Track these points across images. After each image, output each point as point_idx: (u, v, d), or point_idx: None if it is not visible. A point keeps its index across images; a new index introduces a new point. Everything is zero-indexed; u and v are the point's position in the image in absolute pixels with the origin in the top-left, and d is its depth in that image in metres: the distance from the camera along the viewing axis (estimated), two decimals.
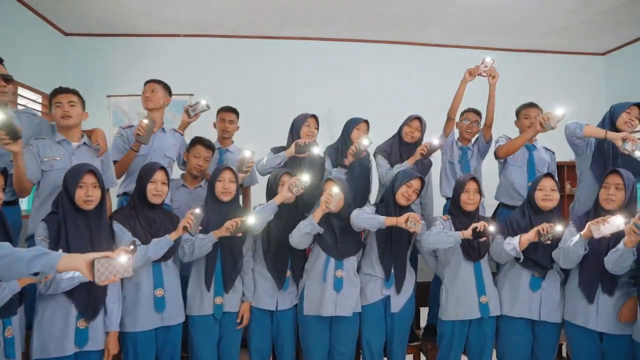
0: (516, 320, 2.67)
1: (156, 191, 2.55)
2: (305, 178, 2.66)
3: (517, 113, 3.45)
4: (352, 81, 5.81)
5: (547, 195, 2.64)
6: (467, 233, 2.56)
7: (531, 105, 3.36)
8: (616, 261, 2.31)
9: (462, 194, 2.73)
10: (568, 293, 2.62)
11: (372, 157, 3.42)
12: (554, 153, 3.46)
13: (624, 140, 2.69)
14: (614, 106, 2.98)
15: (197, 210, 2.48)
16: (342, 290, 2.68)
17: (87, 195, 2.28)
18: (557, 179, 2.88)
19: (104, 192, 2.42)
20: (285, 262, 2.79)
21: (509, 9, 4.95)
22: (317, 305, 2.69)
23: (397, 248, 2.76)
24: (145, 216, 2.55)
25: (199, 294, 2.67)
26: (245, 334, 2.83)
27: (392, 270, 2.76)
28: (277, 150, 3.21)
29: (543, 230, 2.48)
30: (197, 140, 3.16)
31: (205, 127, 3.67)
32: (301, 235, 2.65)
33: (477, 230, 2.52)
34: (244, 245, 2.78)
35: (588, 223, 2.36)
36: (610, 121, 2.96)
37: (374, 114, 3.63)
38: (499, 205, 3.43)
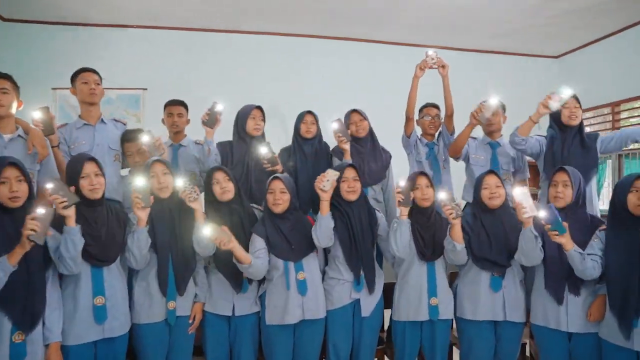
0: (479, 323, 2.61)
1: (91, 185, 2.29)
2: (179, 183, 2.48)
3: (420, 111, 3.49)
4: (310, 77, 5.70)
5: (493, 192, 2.60)
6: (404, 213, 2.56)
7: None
8: (576, 265, 2.34)
9: (415, 191, 2.67)
10: (535, 296, 2.58)
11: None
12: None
13: (545, 106, 2.78)
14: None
15: (41, 211, 1.99)
16: (307, 292, 2.56)
17: (10, 191, 2.03)
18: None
19: (32, 188, 2.17)
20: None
21: (466, 9, 4.96)
22: (281, 313, 2.54)
23: (363, 248, 2.67)
24: (84, 217, 2.27)
25: (148, 300, 2.46)
26: (197, 340, 2.65)
27: (362, 272, 2.66)
28: (222, 145, 3.04)
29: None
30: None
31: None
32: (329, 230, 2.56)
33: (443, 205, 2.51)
34: None
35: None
36: (553, 117, 2.99)
37: (333, 110, 3.51)
38: (466, 205, 3.40)
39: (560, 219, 2.29)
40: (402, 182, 2.58)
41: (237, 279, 2.59)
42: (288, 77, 5.63)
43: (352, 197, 2.67)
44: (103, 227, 2.33)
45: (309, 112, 3.20)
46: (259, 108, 3.07)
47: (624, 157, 5.40)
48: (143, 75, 5.25)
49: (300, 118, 3.18)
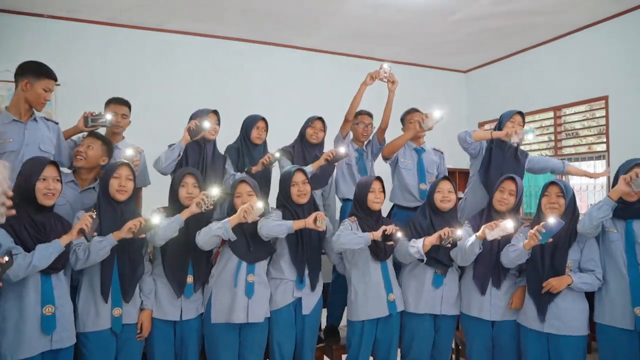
0: (420, 316, 2.82)
1: (47, 190, 2.20)
2: (214, 192, 2.53)
3: (402, 119, 3.67)
4: (238, 80, 5.69)
5: (445, 196, 2.84)
6: (377, 235, 2.64)
7: (413, 110, 3.59)
8: (513, 259, 2.59)
9: (369, 194, 2.82)
10: (463, 287, 2.85)
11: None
12: (442, 153, 3.71)
13: (508, 135, 3.02)
14: (501, 115, 3.32)
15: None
16: (253, 295, 2.60)
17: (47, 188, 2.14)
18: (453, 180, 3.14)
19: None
20: (185, 267, 2.60)
21: (391, 23, 5.25)
22: (227, 311, 2.57)
23: (310, 249, 2.76)
24: (32, 220, 2.18)
25: (93, 307, 2.37)
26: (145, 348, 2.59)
27: (306, 272, 2.75)
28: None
29: (444, 234, 2.65)
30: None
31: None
32: (211, 236, 2.51)
33: (386, 233, 2.62)
34: (143, 249, 2.56)
35: (483, 226, 2.59)
36: (498, 129, 3.29)
37: (262, 114, 3.56)
38: (393, 206, 3.61)
39: (551, 236, 2.45)
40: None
41: (181, 283, 2.58)
42: (214, 79, 5.57)
43: (303, 200, 2.76)
44: (52, 233, 2.23)
45: (263, 118, 3.26)
46: (215, 112, 3.08)
47: None
48: (57, 69, 4.88)
49: (254, 123, 3.21)
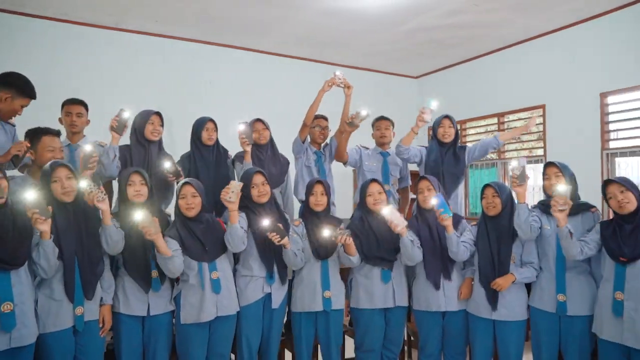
0: (373, 311, 2.98)
1: None
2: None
3: (373, 125, 3.88)
4: (194, 81, 5.72)
5: (376, 199, 3.01)
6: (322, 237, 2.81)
7: (382, 118, 3.79)
8: (454, 250, 2.85)
9: (311, 197, 2.98)
10: (416, 287, 3.04)
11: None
12: (390, 154, 3.87)
13: (422, 120, 3.33)
14: (434, 121, 3.56)
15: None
16: (221, 290, 2.69)
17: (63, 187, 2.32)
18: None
19: None
20: (147, 262, 2.65)
21: (344, 30, 5.43)
22: (197, 311, 2.65)
23: (277, 246, 2.86)
24: None
25: (54, 306, 2.38)
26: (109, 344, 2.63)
27: (275, 267, 2.87)
28: (120, 150, 3.01)
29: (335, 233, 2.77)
30: (41, 132, 2.78)
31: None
32: (239, 237, 2.67)
33: (333, 238, 2.77)
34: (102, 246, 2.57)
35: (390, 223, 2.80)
36: (434, 134, 3.53)
37: (217, 116, 3.57)
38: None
39: (446, 204, 2.78)
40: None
41: (146, 278, 2.63)
42: (168, 79, 5.55)
43: (263, 199, 2.88)
44: (10, 229, 2.22)
45: (211, 119, 3.31)
46: (158, 114, 3.09)
47: (478, 167, 6.36)
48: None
49: (202, 125, 3.26)
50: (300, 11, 4.90)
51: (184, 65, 5.70)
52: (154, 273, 2.65)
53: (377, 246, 2.95)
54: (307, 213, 3.01)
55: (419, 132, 3.48)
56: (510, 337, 2.77)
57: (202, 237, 2.71)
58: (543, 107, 5.55)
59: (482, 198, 2.91)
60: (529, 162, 5.82)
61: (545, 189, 2.84)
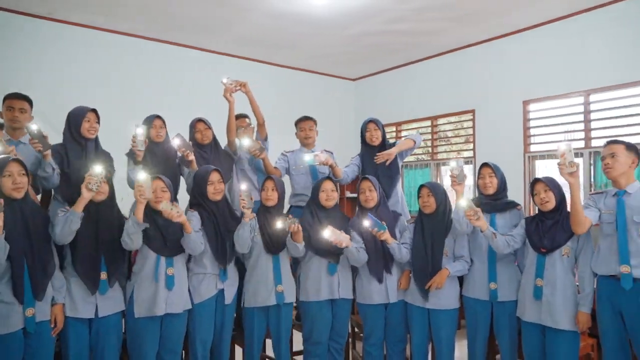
0: (320, 303, 3.12)
1: None
2: (97, 170, 2.50)
3: (296, 124, 3.95)
4: (141, 79, 5.62)
5: (329, 195, 3.17)
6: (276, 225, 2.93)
7: (305, 118, 3.89)
8: (397, 255, 3.05)
9: (262, 192, 3.11)
10: (360, 282, 3.20)
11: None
12: (332, 153, 3.95)
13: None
14: (361, 126, 3.75)
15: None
16: (174, 288, 2.73)
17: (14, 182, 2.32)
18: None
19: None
20: (97, 263, 2.63)
21: (289, 30, 5.54)
22: (150, 305, 2.68)
23: (229, 242, 2.94)
24: None
25: (4, 309, 2.32)
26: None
27: (227, 264, 2.94)
28: (55, 148, 2.90)
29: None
30: None
31: None
32: (130, 236, 2.61)
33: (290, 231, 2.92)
34: (51, 245, 2.54)
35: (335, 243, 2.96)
36: (362, 138, 3.74)
37: (165, 113, 3.56)
38: (290, 207, 3.89)
39: (378, 221, 2.96)
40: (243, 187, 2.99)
41: (94, 279, 2.61)
42: (108, 75, 5.42)
43: (219, 197, 2.95)
44: None
45: (158, 116, 3.31)
46: (94, 111, 3.04)
47: (411, 167, 6.69)
48: None
49: (149, 122, 3.26)
50: (248, 12, 4.96)
51: (129, 62, 5.58)
52: (103, 274, 2.64)
53: (326, 240, 3.10)
54: (261, 209, 3.10)
55: (352, 141, 3.59)
56: (442, 325, 3.01)
57: (165, 231, 2.75)
58: (473, 111, 5.96)
59: (418, 197, 3.13)
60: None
61: (479, 187, 3.11)
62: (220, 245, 2.93)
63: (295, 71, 7.00)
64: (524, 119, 5.38)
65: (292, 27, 5.40)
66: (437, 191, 3.07)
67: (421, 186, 3.12)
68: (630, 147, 2.57)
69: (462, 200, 2.78)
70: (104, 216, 2.67)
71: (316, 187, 3.22)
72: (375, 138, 3.66)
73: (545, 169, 5.25)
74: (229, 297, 2.98)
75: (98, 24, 5.32)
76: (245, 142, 3.40)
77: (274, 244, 3.03)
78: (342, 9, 4.90)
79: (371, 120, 3.68)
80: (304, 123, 3.87)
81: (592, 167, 4.83)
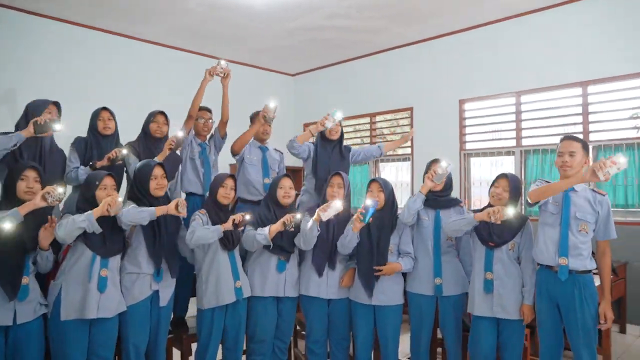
0: (265, 299, 3.04)
1: None
2: (60, 190, 2.40)
3: (252, 118, 3.86)
4: (65, 66, 5.27)
5: (287, 192, 3.11)
6: (228, 225, 2.81)
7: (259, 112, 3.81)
8: (346, 243, 2.98)
9: (220, 189, 2.98)
10: (303, 271, 3.16)
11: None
12: (282, 153, 4.00)
13: (322, 124, 3.40)
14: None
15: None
16: (106, 290, 2.53)
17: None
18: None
19: None
20: (22, 266, 2.41)
21: (228, 22, 5.39)
22: (80, 307, 2.46)
23: (167, 241, 2.78)
24: None
25: None
26: None
27: (164, 263, 2.77)
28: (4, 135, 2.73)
29: (287, 220, 2.93)
30: None
31: None
32: (75, 228, 2.41)
33: (235, 222, 2.82)
34: None
35: (317, 210, 2.92)
36: (320, 132, 3.66)
37: (89, 102, 3.49)
38: (237, 200, 3.77)
39: (370, 213, 2.84)
40: (180, 133, 2.98)
41: (15, 285, 2.38)
42: (47, 63, 5.07)
43: (161, 193, 2.78)
44: None
45: (105, 108, 3.14)
46: (56, 104, 2.95)
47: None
48: None
49: (97, 115, 3.10)
50: (185, 1, 4.75)
51: (60, 49, 5.22)
52: (25, 279, 2.42)
53: (280, 236, 3.01)
54: (213, 205, 2.97)
55: (292, 135, 3.60)
56: (388, 321, 3.01)
57: (106, 229, 2.55)
58: (411, 109, 6.08)
59: (367, 191, 3.11)
60: (396, 160, 6.33)
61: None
62: (157, 242, 2.76)
63: (232, 64, 6.79)
64: (459, 118, 5.55)
65: (231, 19, 5.25)
66: (387, 187, 3.07)
67: (372, 181, 3.11)
68: (585, 146, 2.66)
69: (509, 209, 2.67)
70: (32, 216, 2.43)
71: (274, 183, 3.16)
72: (335, 132, 3.63)
73: (480, 166, 5.44)
74: (165, 299, 2.82)
75: (29, 8, 4.93)
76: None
77: (230, 241, 2.93)
78: (281, 3, 4.82)
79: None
80: (260, 115, 3.76)
81: (522, 165, 5.06)
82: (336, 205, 2.87)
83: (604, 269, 2.63)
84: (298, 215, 2.96)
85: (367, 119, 6.67)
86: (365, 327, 3.05)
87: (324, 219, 2.89)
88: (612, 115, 4.66)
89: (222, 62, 3.46)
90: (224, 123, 3.71)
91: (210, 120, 3.76)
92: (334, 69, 7.04)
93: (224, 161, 3.94)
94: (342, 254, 3.08)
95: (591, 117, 4.72)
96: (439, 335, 3.16)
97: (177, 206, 2.58)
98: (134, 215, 2.57)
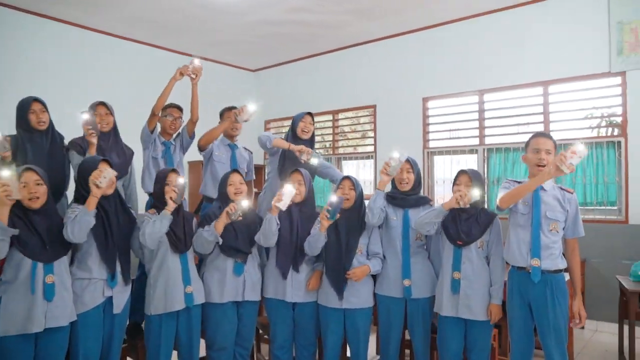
0: (224, 305, 2.87)
1: None
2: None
3: (221, 114, 3.75)
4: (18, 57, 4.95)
5: (237, 188, 2.94)
6: (223, 218, 2.74)
7: (233, 107, 3.68)
8: (313, 243, 2.86)
9: (166, 187, 2.79)
10: (267, 274, 3.02)
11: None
12: (251, 152, 3.88)
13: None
14: (294, 117, 3.59)
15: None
16: (54, 297, 2.30)
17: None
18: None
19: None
20: None
21: (184, 13, 5.16)
22: (23, 320, 2.23)
23: (120, 244, 2.58)
24: None
25: None
26: None
27: (117, 268, 2.56)
28: None
29: (231, 209, 2.77)
30: None
31: None
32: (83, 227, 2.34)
33: (230, 212, 2.72)
34: None
35: (272, 203, 2.81)
36: (292, 130, 3.56)
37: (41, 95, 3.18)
38: (202, 198, 3.60)
39: (336, 211, 2.76)
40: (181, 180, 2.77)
41: None
42: None
43: (109, 191, 2.56)
44: None
45: (36, 99, 2.89)
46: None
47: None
48: None
49: (28, 107, 2.86)
50: None
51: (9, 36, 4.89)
52: None
53: (235, 236, 2.86)
54: (162, 204, 2.75)
55: (253, 132, 3.50)
56: (359, 324, 2.92)
57: (45, 233, 2.33)
58: (374, 107, 6.02)
59: (338, 188, 2.99)
60: (359, 158, 6.27)
61: (395, 182, 3.04)
62: (109, 245, 2.54)
63: (190, 58, 6.56)
64: (423, 116, 5.53)
65: (187, 10, 5.03)
66: (358, 186, 2.98)
67: (344, 178, 3.00)
68: (555, 144, 2.65)
69: (474, 190, 2.64)
70: None
71: (223, 180, 2.99)
72: (307, 131, 3.50)
73: (443, 164, 5.44)
74: (119, 305, 2.60)
75: None
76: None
77: (182, 242, 2.75)
78: None
79: (309, 113, 3.53)
80: (231, 113, 3.64)
81: (485, 163, 5.08)
82: (288, 190, 2.77)
83: (574, 267, 2.62)
84: (243, 202, 2.80)
85: (330, 117, 6.57)
86: (336, 331, 2.94)
87: (283, 208, 2.78)
88: (571, 115, 4.75)
89: (196, 61, 3.31)
90: (193, 122, 3.56)
91: (180, 119, 3.59)
92: (297, 65, 6.90)
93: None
94: (309, 254, 2.96)
95: (552, 117, 4.79)
96: (408, 336, 3.09)
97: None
98: (154, 228, 2.53)
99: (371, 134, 6.14)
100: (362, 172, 6.29)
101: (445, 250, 2.81)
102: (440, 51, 5.42)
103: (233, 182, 2.95)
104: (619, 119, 4.52)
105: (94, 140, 2.87)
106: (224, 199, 2.94)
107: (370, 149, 6.12)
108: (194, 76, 3.35)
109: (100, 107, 3.10)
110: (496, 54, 5.04)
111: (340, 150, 6.56)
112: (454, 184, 2.80)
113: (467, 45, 5.24)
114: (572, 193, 2.64)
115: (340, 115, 6.54)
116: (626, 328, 3.44)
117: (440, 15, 5.23)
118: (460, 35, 5.29)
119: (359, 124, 6.38)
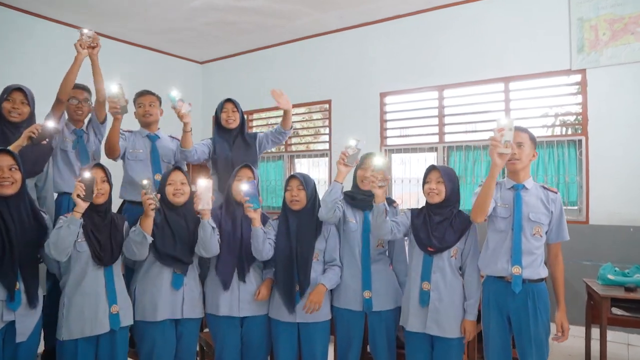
0: (160, 324, 2.47)
1: None
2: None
3: (134, 102, 3.23)
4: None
5: (178, 189, 2.55)
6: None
7: (145, 92, 3.22)
8: (254, 243, 2.51)
9: (167, 187, 2.52)
10: (208, 285, 2.64)
11: None
12: (179, 140, 3.31)
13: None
14: (217, 106, 3.21)
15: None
16: None
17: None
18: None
19: None
20: None
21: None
22: None
23: (23, 255, 2.15)
24: None
25: None
26: None
27: (20, 286, 2.11)
28: None
29: (34, 131, 2.43)
30: None
31: None
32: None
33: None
34: None
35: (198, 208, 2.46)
36: (217, 124, 3.20)
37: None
38: (123, 202, 3.14)
39: (256, 195, 2.46)
40: (49, 124, 2.50)
41: None
42: None
43: (9, 191, 2.12)
44: None
45: (18, 88, 2.56)
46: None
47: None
48: None
49: (6, 94, 2.57)
50: None
51: None
52: None
53: (174, 244, 2.48)
54: (88, 209, 2.31)
55: (199, 128, 3.09)
56: (315, 340, 2.59)
57: None
58: (329, 102, 5.71)
59: (285, 190, 2.65)
60: (313, 156, 5.95)
61: (357, 179, 2.73)
62: (6, 259, 2.08)
63: (132, 47, 6.06)
64: (380, 112, 5.28)
65: None
66: (308, 184, 2.64)
67: (291, 177, 2.66)
68: (533, 138, 2.37)
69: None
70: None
71: (163, 179, 2.61)
72: (233, 120, 3.14)
73: (402, 162, 5.20)
74: (24, 332, 2.15)
75: None
76: (113, 88, 2.69)
77: (107, 253, 2.33)
78: None
79: (229, 100, 3.16)
80: (143, 98, 3.18)
81: (445, 162, 4.87)
82: (202, 185, 2.42)
83: (558, 275, 2.37)
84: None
85: (281, 112, 6.18)
86: (289, 348, 2.60)
87: (208, 207, 2.44)
88: (532, 113, 4.62)
89: (85, 31, 2.77)
90: (100, 103, 2.94)
91: (88, 102, 3.09)
92: (246, 57, 6.51)
93: None
94: (258, 259, 2.59)
95: (513, 114, 4.64)
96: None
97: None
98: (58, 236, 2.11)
99: (325, 130, 5.83)
100: (317, 170, 5.97)
101: (414, 258, 2.50)
102: (398, 45, 5.17)
103: (173, 182, 2.56)
104: (580, 117, 4.42)
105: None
106: (163, 202, 2.54)
107: (325, 146, 5.81)
108: (94, 45, 2.79)
109: (17, 92, 2.63)
110: (456, 48, 4.84)
111: (293, 148, 6.22)
112: (424, 183, 2.50)
113: (426, 39, 5.02)
114: (556, 193, 2.39)
115: (295, 110, 6.18)
116: (594, 331, 3.27)
117: (399, 7, 4.99)
118: (420, 28, 5.06)
119: (311, 120, 6.06)
